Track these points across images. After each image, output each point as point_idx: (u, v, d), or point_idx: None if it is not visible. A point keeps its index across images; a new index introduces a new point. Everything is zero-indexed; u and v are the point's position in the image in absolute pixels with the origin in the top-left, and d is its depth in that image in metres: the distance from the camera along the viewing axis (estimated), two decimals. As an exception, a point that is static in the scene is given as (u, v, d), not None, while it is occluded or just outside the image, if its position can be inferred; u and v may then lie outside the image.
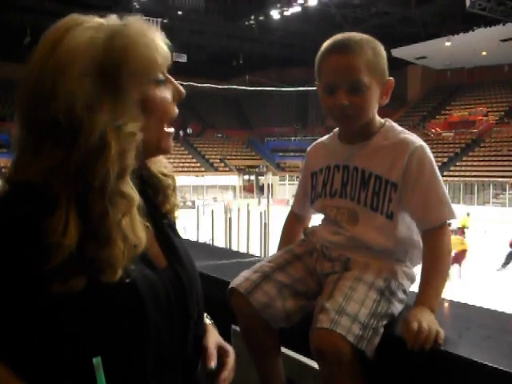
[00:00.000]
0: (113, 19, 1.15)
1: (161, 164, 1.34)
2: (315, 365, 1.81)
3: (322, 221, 1.76)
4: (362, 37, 1.61)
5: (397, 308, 1.55)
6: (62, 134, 1.03)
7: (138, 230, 1.09)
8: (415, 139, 1.59)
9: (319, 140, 1.83)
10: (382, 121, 1.67)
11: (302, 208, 1.85)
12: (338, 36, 1.62)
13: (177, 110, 1.22)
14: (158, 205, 1.32)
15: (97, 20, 1.14)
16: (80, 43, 1.07)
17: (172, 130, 1.22)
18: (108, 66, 1.07)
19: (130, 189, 1.08)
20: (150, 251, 1.19)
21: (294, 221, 1.91)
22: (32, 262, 0.98)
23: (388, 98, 1.63)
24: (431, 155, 1.57)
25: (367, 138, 1.64)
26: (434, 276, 1.51)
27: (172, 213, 1.36)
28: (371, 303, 1.48)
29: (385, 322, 1.48)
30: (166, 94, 1.19)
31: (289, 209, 1.95)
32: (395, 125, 1.67)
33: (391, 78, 1.63)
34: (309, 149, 1.84)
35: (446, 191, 1.57)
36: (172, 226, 1.36)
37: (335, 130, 1.75)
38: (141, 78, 1.12)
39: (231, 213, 21.26)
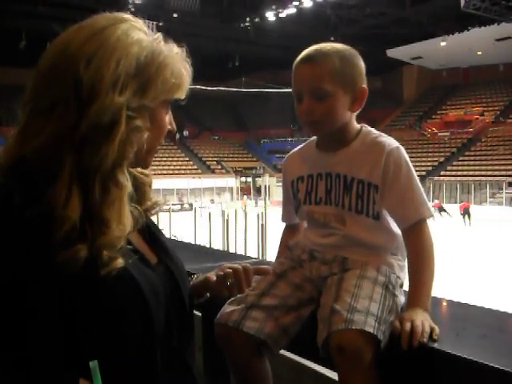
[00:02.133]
0: (158, 35, 1.22)
1: None
2: (314, 366, 1.81)
3: (308, 226, 1.78)
4: (332, 47, 1.64)
5: (400, 301, 1.57)
6: (79, 98, 1.07)
7: (125, 217, 1.12)
8: (391, 141, 1.64)
9: (294, 150, 1.87)
10: (359, 127, 1.70)
11: (292, 218, 1.85)
12: (310, 47, 1.66)
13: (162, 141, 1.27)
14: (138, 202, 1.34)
15: (145, 28, 1.21)
16: (132, 38, 1.13)
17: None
18: (145, 68, 1.13)
19: (125, 179, 1.13)
20: (141, 248, 1.24)
21: (289, 232, 1.91)
22: (40, 240, 1.02)
23: (361, 105, 1.66)
24: (407, 156, 1.62)
25: (345, 144, 1.67)
26: (422, 275, 1.54)
27: (151, 211, 1.37)
28: (379, 297, 1.51)
29: (392, 317, 1.50)
30: (167, 119, 1.24)
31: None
32: (372, 129, 1.70)
33: (364, 86, 1.65)
34: (284, 160, 1.87)
35: (422, 191, 1.62)
36: (154, 223, 1.39)
37: (311, 139, 1.78)
38: (163, 94, 1.17)
39: (229, 215, 21.26)
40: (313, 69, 1.60)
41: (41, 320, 1.02)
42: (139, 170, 1.34)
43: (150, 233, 1.33)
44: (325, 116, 1.61)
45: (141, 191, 1.34)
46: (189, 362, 1.30)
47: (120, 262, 1.08)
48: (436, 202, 34.93)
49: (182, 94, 1.23)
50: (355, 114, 1.68)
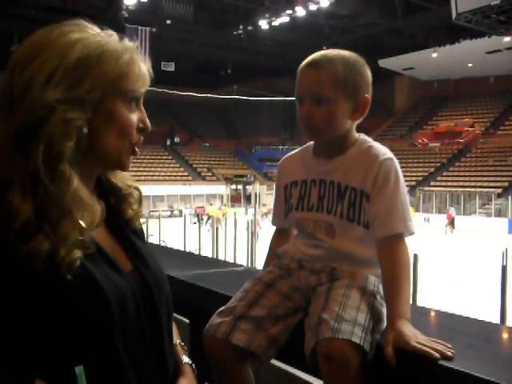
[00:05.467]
0: (110, 33, 1.24)
1: (124, 177, 1.40)
2: (301, 374, 1.81)
3: (297, 235, 1.77)
4: (338, 53, 1.65)
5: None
6: (11, 105, 1.13)
7: (76, 209, 1.13)
8: (386, 151, 1.63)
9: (291, 153, 1.86)
10: (357, 135, 1.70)
11: (283, 221, 1.83)
12: (317, 52, 1.67)
13: (141, 139, 1.28)
14: (120, 212, 1.37)
15: (96, 29, 1.24)
16: (70, 37, 1.17)
17: (136, 150, 1.28)
18: (83, 63, 1.15)
19: (70, 173, 1.13)
20: (113, 255, 1.25)
21: (279, 236, 1.90)
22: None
23: (362, 114, 1.66)
24: (399, 169, 1.61)
25: (342, 152, 1.66)
26: (402, 287, 1.51)
27: (136, 220, 1.41)
28: (366, 307, 1.51)
29: (381, 327, 1.51)
30: (131, 116, 1.24)
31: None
32: (368, 138, 1.70)
33: (367, 95, 1.65)
34: (280, 162, 1.86)
35: (408, 207, 1.59)
36: (136, 231, 1.41)
37: (308, 144, 1.78)
38: (107, 85, 1.18)
39: (218, 222, 21.22)
40: (315, 73, 1.61)
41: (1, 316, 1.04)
42: (126, 182, 1.38)
43: (129, 240, 1.34)
44: (324, 121, 1.61)
45: (127, 202, 1.38)
46: (168, 365, 1.32)
47: (77, 252, 1.11)
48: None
49: (135, 86, 1.23)
50: (356, 123, 1.67)
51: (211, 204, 39.87)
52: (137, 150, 1.27)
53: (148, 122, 1.28)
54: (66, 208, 1.11)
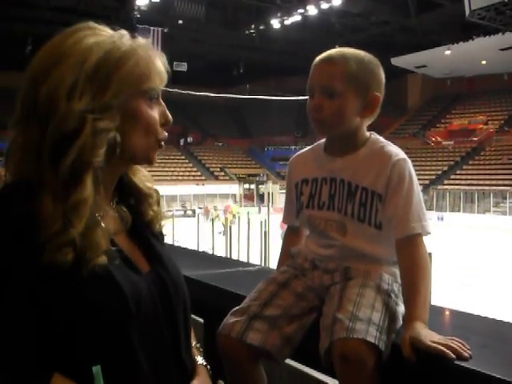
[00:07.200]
0: (123, 33, 1.25)
1: (145, 178, 1.40)
2: (316, 374, 1.81)
3: (309, 234, 1.77)
4: (353, 51, 1.66)
5: (402, 310, 1.56)
6: (40, 116, 1.13)
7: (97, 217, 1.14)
8: (398, 152, 1.63)
9: (302, 151, 1.86)
10: (368, 134, 1.69)
11: (294, 219, 1.82)
12: (333, 49, 1.68)
13: (165, 134, 1.28)
14: (141, 214, 1.37)
15: (108, 31, 1.24)
16: (86, 42, 1.17)
17: (162, 145, 1.28)
18: (103, 68, 1.16)
19: (96, 180, 1.14)
20: (132, 256, 1.26)
21: (291, 235, 1.90)
22: (26, 240, 1.06)
23: (372, 112, 1.65)
24: (412, 169, 1.61)
25: (352, 150, 1.66)
26: (419, 288, 1.51)
27: (156, 222, 1.41)
28: (381, 306, 1.51)
29: (396, 326, 1.50)
30: (154, 113, 1.24)
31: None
32: (380, 138, 1.69)
33: (377, 93, 1.64)
34: (291, 160, 1.87)
35: (423, 207, 1.59)
36: (156, 234, 1.41)
37: (319, 142, 1.77)
38: (131, 86, 1.19)
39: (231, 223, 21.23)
40: (328, 67, 1.62)
41: (16, 312, 1.05)
42: (146, 184, 1.38)
43: (148, 242, 1.35)
44: (332, 115, 1.61)
45: (147, 203, 1.38)
46: (186, 364, 1.32)
47: (103, 258, 1.12)
48: None
49: (155, 83, 1.23)
50: (367, 121, 1.67)
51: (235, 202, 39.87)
52: (163, 144, 1.28)
53: (169, 115, 1.28)
54: (92, 216, 1.12)
